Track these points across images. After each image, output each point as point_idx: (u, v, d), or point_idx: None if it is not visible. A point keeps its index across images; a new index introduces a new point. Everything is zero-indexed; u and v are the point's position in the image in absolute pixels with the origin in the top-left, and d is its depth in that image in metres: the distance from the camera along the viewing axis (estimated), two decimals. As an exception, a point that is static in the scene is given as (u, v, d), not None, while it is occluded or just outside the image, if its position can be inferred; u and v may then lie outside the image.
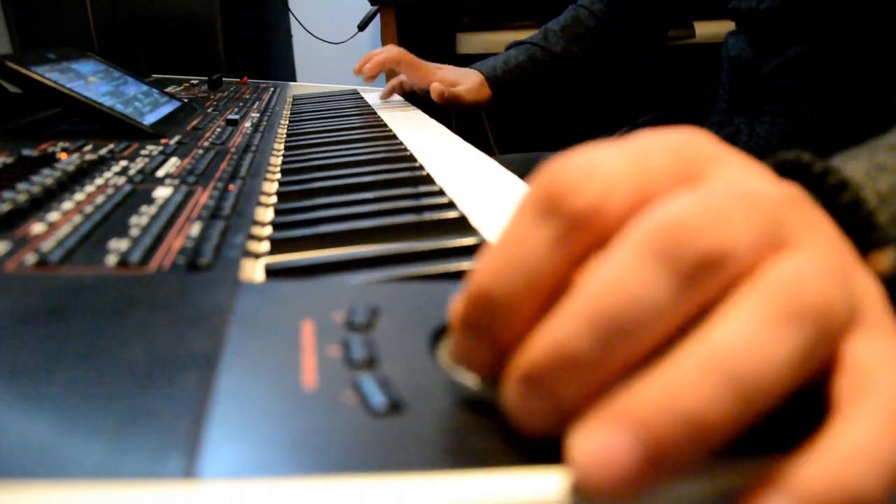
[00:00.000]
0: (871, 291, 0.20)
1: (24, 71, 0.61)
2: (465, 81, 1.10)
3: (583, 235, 0.19)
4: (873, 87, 0.69)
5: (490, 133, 1.65)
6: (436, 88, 1.06)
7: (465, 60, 1.45)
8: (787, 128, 0.77)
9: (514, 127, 1.63)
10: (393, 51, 1.09)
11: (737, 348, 0.16)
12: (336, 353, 0.24)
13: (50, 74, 0.64)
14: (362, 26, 1.67)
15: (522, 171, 0.47)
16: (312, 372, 0.23)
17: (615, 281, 0.17)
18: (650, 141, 0.21)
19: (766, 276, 0.17)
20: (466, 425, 0.21)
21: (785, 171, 0.27)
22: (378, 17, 1.61)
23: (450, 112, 1.16)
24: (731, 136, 0.85)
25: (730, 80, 0.86)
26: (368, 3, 1.82)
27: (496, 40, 1.45)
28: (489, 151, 1.44)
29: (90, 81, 0.70)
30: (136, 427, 0.19)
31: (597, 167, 0.19)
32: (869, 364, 0.18)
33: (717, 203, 0.18)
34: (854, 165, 0.29)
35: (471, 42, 1.48)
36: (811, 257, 0.18)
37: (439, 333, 0.27)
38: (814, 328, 0.17)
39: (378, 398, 0.21)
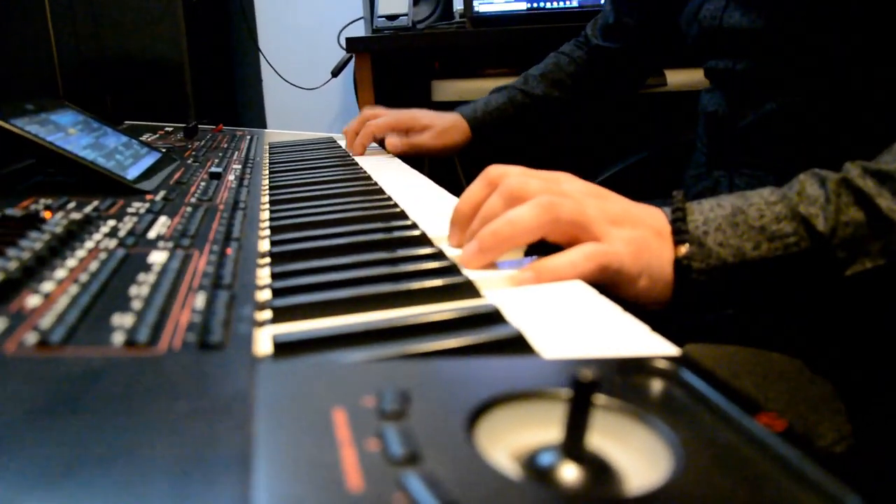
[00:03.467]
0: (624, 236, 0.49)
1: (4, 125, 0.59)
2: (438, 125, 1.10)
3: (492, 190, 0.51)
4: (849, 140, 0.71)
5: (462, 177, 1.66)
6: (390, 143, 1.07)
7: (440, 108, 1.46)
8: (768, 181, 0.78)
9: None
10: (361, 117, 1.10)
11: (511, 214, 0.48)
12: (375, 447, 0.23)
13: (30, 127, 0.62)
14: (336, 72, 1.67)
15: None
16: (356, 471, 0.21)
17: (489, 203, 0.50)
18: (532, 170, 0.53)
19: (536, 198, 0.48)
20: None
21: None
22: (352, 63, 1.62)
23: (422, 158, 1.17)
24: (711, 189, 0.86)
25: (707, 135, 0.87)
26: (341, 48, 1.83)
27: (470, 88, 1.46)
28: (460, 192, 1.44)
29: (70, 133, 0.68)
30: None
31: (504, 169, 0.52)
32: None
33: (531, 182, 0.50)
34: (712, 199, 0.52)
35: (445, 89, 1.49)
36: (541, 199, 0.48)
37: (474, 417, 0.26)
38: (542, 209, 0.47)
39: (431, 503, 0.20)
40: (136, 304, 0.34)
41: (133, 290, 0.36)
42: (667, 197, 0.54)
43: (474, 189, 0.52)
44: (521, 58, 1.56)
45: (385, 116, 1.08)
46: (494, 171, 0.52)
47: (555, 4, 1.58)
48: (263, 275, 0.45)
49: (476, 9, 1.55)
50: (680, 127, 1.55)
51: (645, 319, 0.40)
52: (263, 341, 0.34)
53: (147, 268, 0.40)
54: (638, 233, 0.50)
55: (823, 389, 0.58)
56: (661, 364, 0.32)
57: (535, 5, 1.57)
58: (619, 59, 1.13)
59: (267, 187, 0.75)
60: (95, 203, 0.57)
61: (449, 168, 1.65)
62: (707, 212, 0.51)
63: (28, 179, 0.71)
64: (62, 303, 0.34)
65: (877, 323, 0.58)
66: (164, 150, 0.85)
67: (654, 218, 0.52)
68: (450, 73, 1.55)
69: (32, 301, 0.34)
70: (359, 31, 1.94)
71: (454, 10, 1.76)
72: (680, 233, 0.50)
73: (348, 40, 1.49)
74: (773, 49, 0.74)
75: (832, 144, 0.72)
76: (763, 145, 0.78)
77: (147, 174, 0.69)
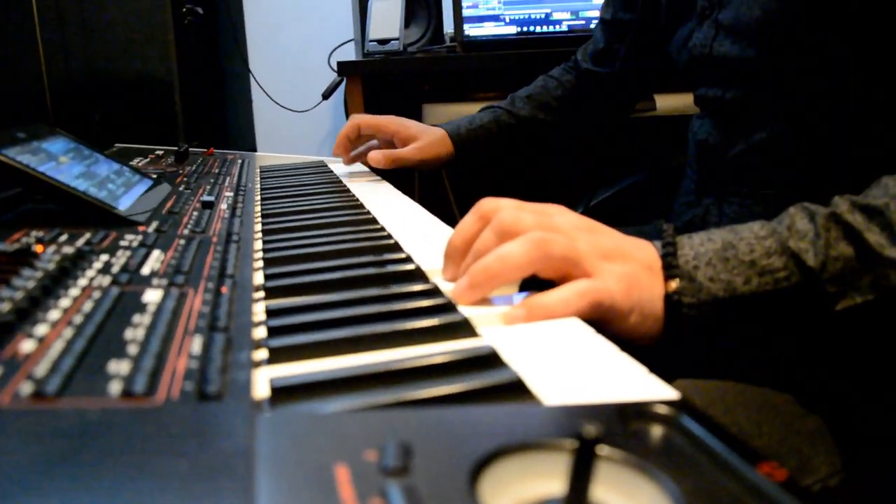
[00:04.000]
0: (615, 271, 0.49)
1: (-5, 156, 0.59)
2: (423, 137, 1.11)
3: (484, 223, 0.51)
4: (838, 169, 0.72)
5: (450, 191, 1.66)
6: (372, 157, 1.07)
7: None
8: (756, 209, 0.79)
9: (478, 190, 1.64)
10: (351, 122, 1.10)
11: (502, 250, 0.47)
12: (379, 508, 0.22)
13: (21, 157, 0.62)
14: (327, 95, 1.68)
15: None
16: (360, 535, 0.21)
17: (482, 238, 0.50)
18: (525, 203, 0.52)
19: (528, 234, 0.48)
20: None
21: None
22: (343, 87, 1.62)
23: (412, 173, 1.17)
24: (701, 217, 0.86)
25: (697, 162, 0.88)
26: (331, 70, 1.83)
27: (461, 111, 1.46)
28: (450, 215, 1.44)
29: (62, 162, 0.68)
30: None
31: (496, 203, 0.52)
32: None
33: (523, 216, 0.50)
34: (702, 233, 0.53)
35: (436, 113, 1.50)
36: (532, 235, 0.48)
37: (477, 470, 0.26)
38: (533, 245, 0.47)
39: (437, 570, 0.20)
40: (132, 349, 0.34)
41: (128, 334, 0.36)
42: (657, 219, 0.55)
43: (467, 223, 0.52)
44: (511, 81, 1.57)
45: (371, 116, 1.10)
46: (487, 204, 0.52)
47: (544, 28, 1.59)
48: (258, 310, 0.44)
49: (466, 33, 1.56)
50: (669, 151, 1.57)
51: (634, 352, 0.40)
52: (261, 383, 0.34)
53: (142, 308, 0.40)
54: (629, 268, 0.50)
55: (815, 423, 0.58)
56: (662, 409, 0.31)
57: (524, 29, 1.59)
58: (609, 84, 1.14)
59: (259, 215, 0.75)
60: (87, 236, 0.56)
61: (437, 181, 1.65)
62: (697, 246, 0.51)
63: (16, 208, 0.71)
64: (57, 348, 0.34)
65: (867, 356, 0.59)
66: (154, 177, 0.85)
67: (645, 252, 0.52)
68: (441, 97, 1.56)
69: (26, 346, 0.34)
70: (349, 53, 1.95)
71: (444, 32, 1.77)
72: (670, 267, 0.51)
73: (340, 64, 1.50)
74: (762, 78, 0.75)
75: (821, 173, 0.73)
76: (752, 173, 0.79)
77: (139, 204, 0.68)
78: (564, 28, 1.59)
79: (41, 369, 0.31)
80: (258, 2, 2.08)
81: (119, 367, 0.32)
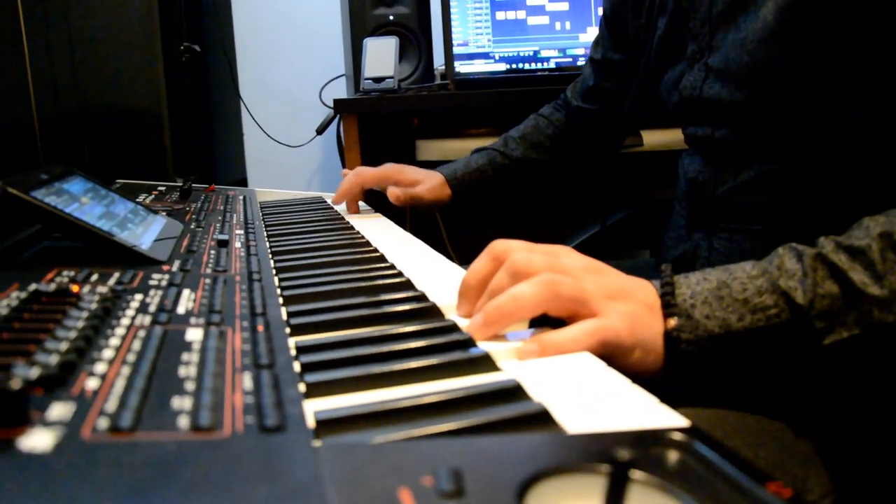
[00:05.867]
0: (619, 310, 0.53)
1: (26, 198, 0.62)
2: (427, 181, 1.15)
3: (497, 264, 0.55)
4: (822, 206, 0.76)
5: (445, 234, 1.70)
6: (392, 193, 1.11)
7: (425, 167, 1.51)
8: (745, 244, 0.83)
9: (469, 228, 1.68)
10: (354, 179, 1.13)
11: (514, 290, 0.51)
12: (444, 527, 0.25)
13: (48, 199, 0.64)
14: (321, 130, 1.71)
15: None
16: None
17: (497, 279, 0.54)
18: (534, 245, 0.57)
19: (538, 276, 0.52)
20: None
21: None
22: (336, 122, 1.66)
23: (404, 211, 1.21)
24: (691, 252, 0.90)
25: (687, 199, 0.91)
26: (322, 106, 1.87)
27: (455, 147, 1.51)
28: (444, 252, 1.47)
29: (84, 203, 0.71)
30: None
31: (507, 245, 0.56)
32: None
33: (534, 258, 0.54)
34: (698, 273, 0.57)
35: (430, 149, 1.54)
36: (543, 277, 0.52)
37: (521, 492, 0.29)
38: (544, 286, 0.51)
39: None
40: (189, 386, 0.37)
41: (182, 371, 0.39)
42: (643, 251, 0.59)
43: (480, 263, 0.56)
44: (502, 118, 1.62)
45: (373, 170, 1.14)
46: (499, 246, 0.56)
47: (533, 66, 1.64)
48: (290, 347, 0.47)
49: (458, 70, 1.61)
50: (656, 186, 1.62)
51: (637, 384, 0.43)
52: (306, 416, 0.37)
53: (187, 346, 0.43)
54: (632, 307, 0.54)
55: (807, 448, 0.62)
56: (677, 436, 0.35)
57: (513, 67, 1.64)
58: (599, 121, 1.18)
59: (270, 252, 0.78)
60: (117, 275, 0.59)
61: (430, 222, 1.69)
62: (694, 285, 0.55)
63: (36, 245, 0.73)
64: (119, 385, 0.36)
65: (855, 385, 0.62)
66: (163, 213, 0.88)
67: (646, 292, 0.56)
68: (433, 133, 1.60)
69: (91, 384, 0.36)
70: (340, 88, 1.99)
71: (434, 69, 1.82)
72: (669, 306, 0.54)
73: (336, 101, 1.54)
74: (751, 119, 0.79)
75: (806, 210, 0.77)
76: (740, 210, 0.83)
77: (158, 242, 0.71)
78: (552, 66, 1.64)
79: (111, 405, 0.34)
80: (249, 37, 2.12)
81: (182, 402, 0.35)
